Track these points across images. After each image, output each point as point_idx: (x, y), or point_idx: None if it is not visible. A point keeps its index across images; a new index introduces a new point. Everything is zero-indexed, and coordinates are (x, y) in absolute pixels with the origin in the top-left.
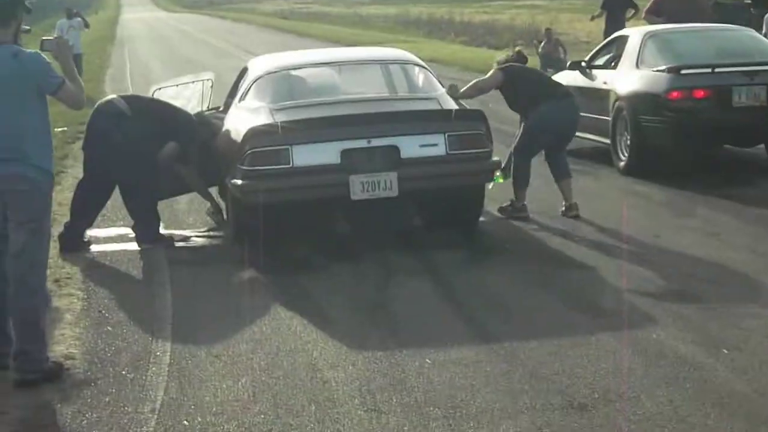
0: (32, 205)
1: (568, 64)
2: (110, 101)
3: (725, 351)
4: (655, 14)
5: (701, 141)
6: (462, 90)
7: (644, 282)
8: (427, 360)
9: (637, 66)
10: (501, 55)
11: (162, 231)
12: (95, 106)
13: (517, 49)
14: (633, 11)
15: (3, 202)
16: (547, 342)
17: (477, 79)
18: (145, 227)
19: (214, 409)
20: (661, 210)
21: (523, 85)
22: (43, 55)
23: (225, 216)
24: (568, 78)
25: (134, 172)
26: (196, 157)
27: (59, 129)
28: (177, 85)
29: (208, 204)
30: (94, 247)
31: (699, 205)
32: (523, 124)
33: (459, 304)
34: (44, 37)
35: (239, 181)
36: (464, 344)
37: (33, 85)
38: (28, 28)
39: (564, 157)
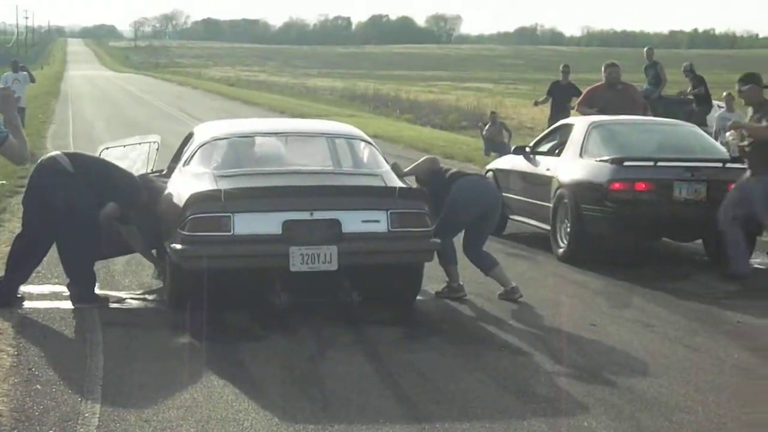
0: None
1: (512, 148)
2: (53, 158)
3: None
4: (587, 106)
5: (641, 233)
6: (405, 170)
7: (578, 370)
8: None
9: (581, 155)
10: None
11: (97, 291)
12: (38, 161)
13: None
14: (579, 107)
15: None
16: (479, 425)
17: (420, 161)
18: (81, 287)
19: None
20: (598, 299)
21: (443, 170)
22: None
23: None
24: (511, 162)
25: (73, 230)
26: (136, 217)
27: (0, 182)
28: (124, 146)
29: (152, 266)
30: (27, 303)
31: (635, 296)
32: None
33: (392, 382)
34: None
35: (179, 246)
36: (396, 423)
37: None
38: None
39: (481, 250)
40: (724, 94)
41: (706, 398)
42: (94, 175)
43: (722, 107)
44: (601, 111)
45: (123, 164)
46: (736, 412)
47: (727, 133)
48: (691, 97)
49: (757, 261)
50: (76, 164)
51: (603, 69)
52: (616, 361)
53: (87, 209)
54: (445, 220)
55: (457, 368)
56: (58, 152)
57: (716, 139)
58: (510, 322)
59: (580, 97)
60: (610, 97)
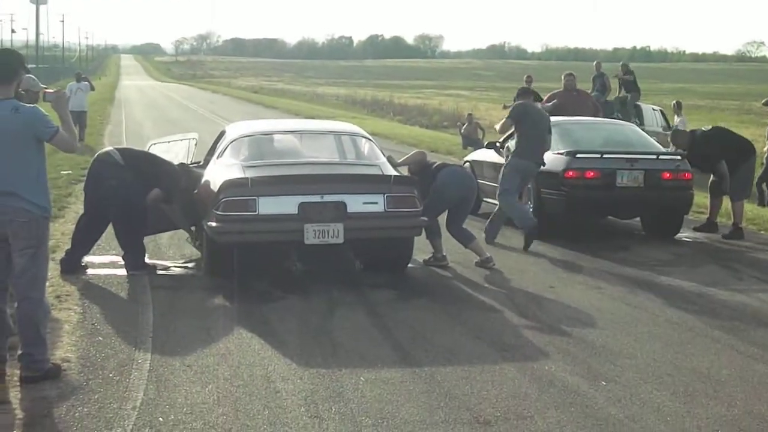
0: (30, 233)
1: (485, 143)
2: (108, 152)
3: (603, 383)
4: (548, 101)
5: (590, 212)
6: (398, 161)
7: (540, 324)
8: (362, 378)
9: None
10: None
11: (147, 260)
12: (95, 155)
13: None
14: (539, 103)
15: (5, 231)
16: (459, 368)
17: (410, 154)
18: (133, 257)
19: (184, 409)
20: (556, 266)
21: (430, 162)
22: (42, 106)
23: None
24: (484, 155)
25: (125, 212)
26: (178, 198)
27: (65, 172)
28: (168, 142)
29: (189, 238)
30: (89, 271)
31: (586, 263)
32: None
33: (389, 334)
34: (46, 90)
35: (213, 224)
36: (392, 367)
37: (31, 134)
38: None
39: (461, 227)
40: (673, 102)
41: (644, 346)
42: (142, 165)
43: (656, 109)
44: (558, 109)
45: (167, 156)
46: (667, 356)
47: None
48: (628, 76)
49: (684, 235)
50: (126, 157)
51: (562, 77)
52: (570, 317)
53: (135, 194)
54: (432, 202)
55: (441, 323)
56: (111, 147)
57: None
58: (485, 285)
59: (545, 98)
60: (567, 101)
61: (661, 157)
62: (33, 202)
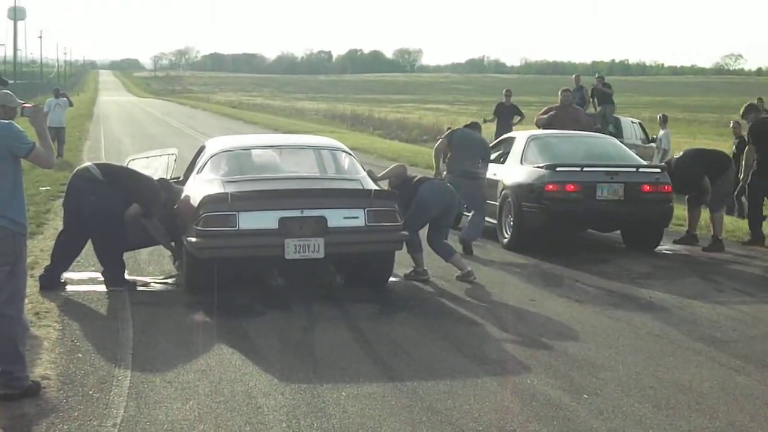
0: (7, 250)
1: None
2: (86, 168)
3: (585, 396)
4: (544, 114)
5: (570, 225)
6: (379, 175)
7: (521, 337)
8: (343, 393)
9: (521, 162)
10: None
11: (126, 276)
12: (74, 171)
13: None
14: (519, 117)
15: None
16: (441, 383)
17: (390, 167)
18: (112, 273)
19: (165, 426)
20: (537, 279)
21: (411, 177)
22: (16, 122)
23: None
24: None
25: (104, 227)
26: (157, 213)
27: (43, 188)
28: (147, 157)
29: (171, 255)
30: (69, 287)
31: (566, 277)
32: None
33: (370, 349)
34: (24, 105)
35: (193, 239)
36: (374, 381)
37: (6, 150)
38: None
39: (441, 241)
40: (659, 116)
41: (626, 359)
42: (121, 181)
43: (634, 122)
44: (553, 124)
45: (147, 172)
46: (649, 369)
47: None
48: (606, 88)
49: (665, 247)
50: (104, 173)
51: (559, 93)
52: (552, 330)
53: (115, 210)
54: (413, 216)
55: (423, 337)
56: (90, 163)
57: (660, 156)
58: (466, 299)
59: (541, 112)
60: (563, 117)
61: (641, 169)
62: (9, 218)
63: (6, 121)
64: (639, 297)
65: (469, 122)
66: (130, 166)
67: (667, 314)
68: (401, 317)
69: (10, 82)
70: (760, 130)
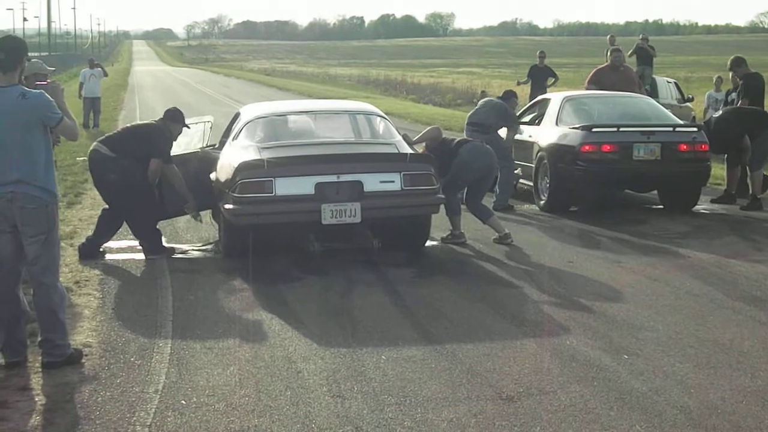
0: (40, 220)
1: None
2: (94, 149)
3: (625, 356)
4: (593, 83)
5: (607, 186)
6: (414, 138)
7: (560, 299)
8: (383, 356)
9: (557, 124)
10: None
11: (164, 244)
12: (88, 155)
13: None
14: (554, 79)
15: (15, 218)
16: (480, 345)
17: (426, 131)
18: (150, 243)
19: (207, 391)
20: (574, 241)
21: (449, 139)
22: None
23: (216, 230)
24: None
25: (132, 202)
26: (196, 186)
27: (80, 158)
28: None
29: (199, 217)
30: (108, 256)
31: (604, 237)
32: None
33: (408, 313)
34: (38, 83)
35: (230, 206)
36: (413, 345)
37: (38, 119)
38: (53, 69)
39: (480, 203)
40: (715, 77)
41: (665, 318)
42: (129, 145)
43: (670, 82)
44: (602, 87)
45: (184, 140)
46: (689, 329)
47: None
48: (651, 48)
49: (702, 207)
50: (113, 148)
51: (609, 53)
52: (590, 291)
53: (137, 182)
54: (453, 178)
55: (461, 300)
56: (96, 142)
57: (705, 115)
58: (503, 261)
59: (589, 77)
60: (615, 78)
61: (677, 129)
62: (43, 188)
63: (37, 91)
64: (677, 256)
65: (502, 93)
66: (124, 128)
67: (706, 273)
68: (439, 280)
69: (45, 54)
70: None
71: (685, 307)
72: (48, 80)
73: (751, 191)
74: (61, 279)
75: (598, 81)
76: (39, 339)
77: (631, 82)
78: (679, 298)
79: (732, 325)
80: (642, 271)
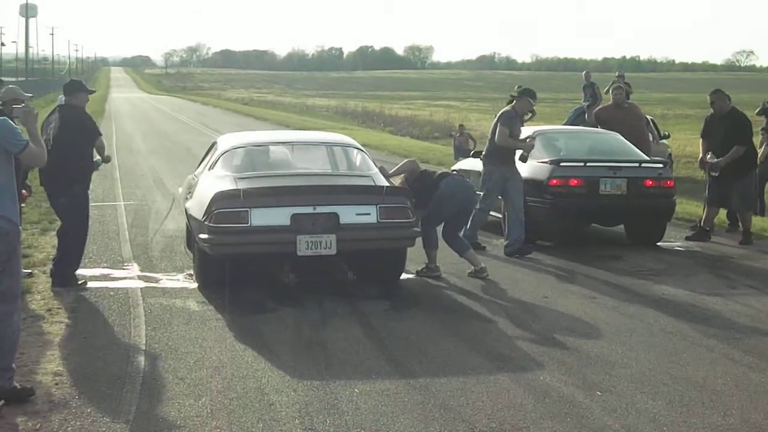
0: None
1: (471, 153)
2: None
3: (599, 393)
4: (599, 122)
5: (574, 220)
6: (390, 171)
7: (534, 334)
8: (356, 390)
9: None
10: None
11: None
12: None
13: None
14: (530, 114)
15: None
16: (454, 379)
17: (402, 163)
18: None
19: (178, 422)
20: (549, 276)
21: (430, 171)
22: (12, 120)
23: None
24: (471, 164)
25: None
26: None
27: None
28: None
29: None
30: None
31: (579, 273)
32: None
33: (382, 346)
34: (14, 106)
35: (205, 236)
36: (386, 378)
37: (0, 147)
38: (30, 95)
39: (457, 236)
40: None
41: (639, 355)
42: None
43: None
44: (609, 127)
45: None
46: (663, 366)
47: None
48: (627, 84)
49: (677, 244)
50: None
51: (611, 91)
52: (565, 327)
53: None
54: (434, 210)
55: (435, 334)
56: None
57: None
58: (478, 296)
59: (596, 110)
60: (621, 115)
61: (643, 165)
62: (2, 216)
63: (1, 118)
64: (652, 293)
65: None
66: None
67: (680, 310)
68: (413, 314)
69: (22, 79)
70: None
71: (659, 344)
72: (21, 104)
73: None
74: (33, 306)
75: (605, 120)
76: None
77: (639, 119)
78: (653, 335)
79: (705, 363)
80: (616, 308)
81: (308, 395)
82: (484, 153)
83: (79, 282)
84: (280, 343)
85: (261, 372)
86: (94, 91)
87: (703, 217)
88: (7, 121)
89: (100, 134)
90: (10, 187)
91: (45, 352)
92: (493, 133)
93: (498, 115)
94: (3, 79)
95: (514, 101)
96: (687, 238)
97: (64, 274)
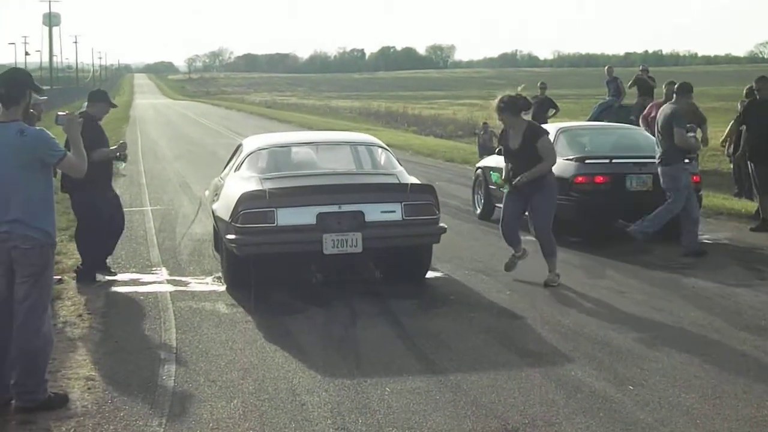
0: (33, 260)
1: (496, 150)
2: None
3: (630, 387)
4: (648, 112)
5: (600, 217)
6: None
7: (564, 329)
8: (387, 389)
9: None
10: None
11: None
12: None
13: None
14: (554, 111)
15: (10, 257)
16: (485, 376)
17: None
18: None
19: (210, 425)
20: (578, 271)
21: None
22: (51, 129)
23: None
24: (495, 161)
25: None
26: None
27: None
28: None
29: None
30: (111, 289)
31: (608, 268)
32: None
33: (412, 344)
34: (59, 113)
35: (233, 236)
36: (417, 376)
37: (36, 158)
38: (45, 98)
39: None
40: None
41: (670, 349)
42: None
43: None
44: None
45: None
46: (694, 359)
47: None
48: (651, 79)
49: (705, 237)
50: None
51: (664, 87)
52: (595, 321)
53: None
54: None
55: (465, 331)
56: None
57: None
58: (507, 292)
59: (645, 111)
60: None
61: None
62: (38, 228)
63: (37, 129)
64: (681, 286)
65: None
66: None
67: (711, 303)
68: (442, 312)
69: (47, 87)
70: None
71: (690, 338)
72: (65, 112)
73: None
74: (63, 312)
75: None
76: (12, 382)
77: (693, 115)
78: (683, 329)
79: (737, 355)
80: (646, 302)
81: (340, 395)
82: (663, 157)
83: (98, 280)
84: (310, 344)
85: (292, 373)
86: (116, 106)
87: (760, 208)
88: (44, 132)
89: (100, 147)
90: (49, 198)
91: (76, 357)
92: (668, 134)
93: (666, 115)
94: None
95: (675, 96)
96: (752, 229)
97: (80, 273)
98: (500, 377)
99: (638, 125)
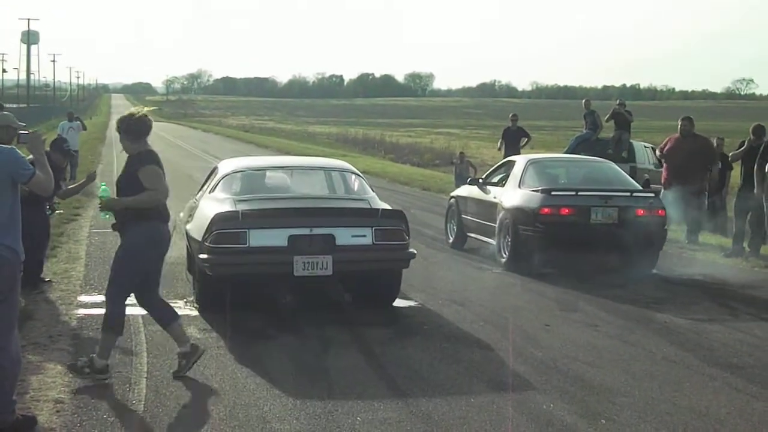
0: (1, 279)
1: (468, 180)
2: None
3: (603, 421)
4: (663, 146)
5: (565, 248)
6: None
7: (537, 362)
8: (358, 418)
9: (519, 186)
10: None
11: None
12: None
13: None
14: (526, 140)
15: None
16: (456, 408)
17: None
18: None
19: None
20: (551, 304)
21: None
22: (18, 147)
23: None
24: (468, 191)
25: None
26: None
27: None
28: None
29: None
30: (82, 311)
31: (580, 301)
32: None
33: (384, 374)
34: (21, 132)
35: (205, 255)
36: (389, 406)
37: (7, 176)
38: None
39: None
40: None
41: (641, 384)
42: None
43: (647, 147)
44: (674, 158)
45: None
46: (666, 394)
47: None
48: (629, 112)
49: (677, 272)
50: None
51: (679, 121)
52: (567, 355)
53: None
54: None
55: (437, 361)
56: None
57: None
58: (480, 323)
59: (660, 145)
60: (685, 146)
61: (635, 194)
62: (6, 246)
63: (8, 147)
64: (654, 321)
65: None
66: None
67: (683, 339)
68: (415, 341)
69: (23, 105)
70: None
71: (662, 373)
72: (28, 131)
73: None
74: (34, 333)
75: (668, 150)
76: None
77: (705, 149)
78: (655, 364)
79: (708, 392)
80: (618, 336)
81: (311, 423)
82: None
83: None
84: (282, 371)
85: (263, 400)
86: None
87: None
88: (14, 150)
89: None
90: (16, 216)
91: (46, 379)
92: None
93: None
94: (4, 105)
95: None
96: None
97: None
98: (472, 409)
99: (614, 159)
